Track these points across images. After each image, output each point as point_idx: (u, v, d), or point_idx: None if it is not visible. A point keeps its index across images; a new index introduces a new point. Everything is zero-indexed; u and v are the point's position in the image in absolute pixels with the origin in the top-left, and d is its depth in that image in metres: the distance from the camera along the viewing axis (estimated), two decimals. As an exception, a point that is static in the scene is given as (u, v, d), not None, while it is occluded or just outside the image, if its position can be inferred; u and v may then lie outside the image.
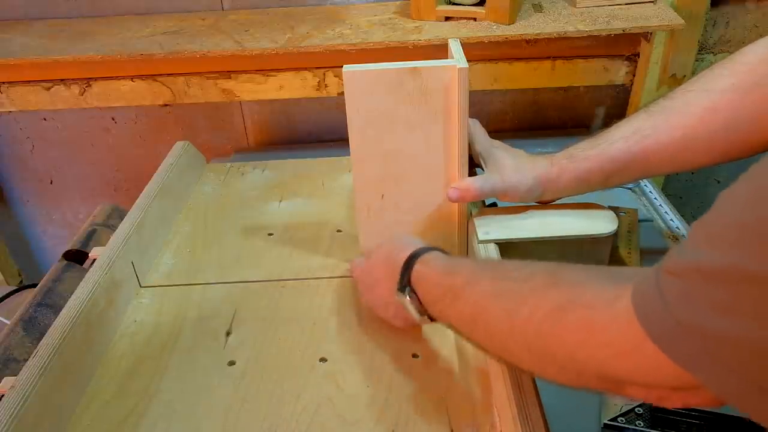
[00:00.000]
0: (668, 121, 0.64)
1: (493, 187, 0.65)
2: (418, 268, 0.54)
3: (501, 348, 0.47)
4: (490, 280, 0.47)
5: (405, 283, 0.54)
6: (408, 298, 0.54)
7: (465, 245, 0.71)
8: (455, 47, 0.63)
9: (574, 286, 0.41)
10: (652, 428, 0.55)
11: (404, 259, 0.56)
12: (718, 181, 1.24)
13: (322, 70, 1.04)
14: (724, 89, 0.60)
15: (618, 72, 1.07)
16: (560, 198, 0.70)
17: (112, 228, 0.77)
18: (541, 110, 1.17)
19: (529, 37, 0.94)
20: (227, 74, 1.06)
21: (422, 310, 0.54)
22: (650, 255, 0.78)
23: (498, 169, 0.67)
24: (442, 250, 0.56)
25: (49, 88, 1.07)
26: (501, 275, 0.48)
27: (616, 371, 0.37)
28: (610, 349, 0.37)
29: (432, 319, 0.54)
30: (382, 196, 0.66)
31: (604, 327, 0.37)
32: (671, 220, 0.86)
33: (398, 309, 0.57)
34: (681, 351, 0.32)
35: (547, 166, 0.67)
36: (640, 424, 0.56)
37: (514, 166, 0.67)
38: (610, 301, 0.37)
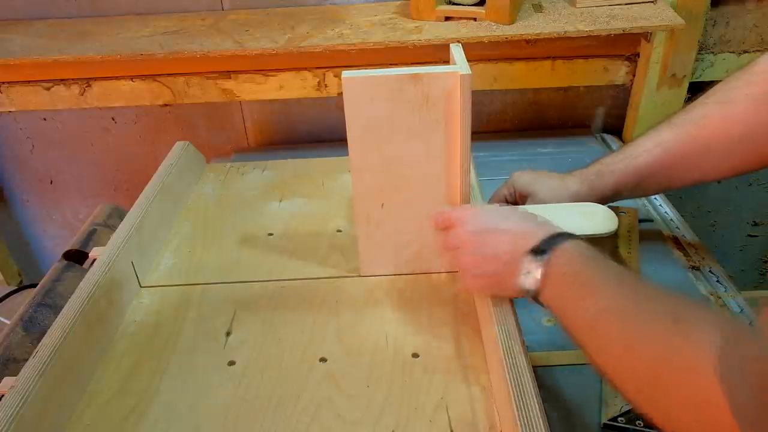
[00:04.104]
0: (688, 133, 0.67)
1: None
2: (568, 245, 0.52)
3: (607, 361, 0.46)
4: (624, 297, 0.47)
5: (547, 249, 0.52)
6: (540, 262, 0.51)
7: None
8: (457, 52, 0.62)
9: (690, 326, 0.41)
10: (651, 428, 0.55)
11: (553, 231, 0.54)
12: (718, 182, 1.24)
13: (322, 70, 1.05)
14: (738, 100, 0.63)
15: (618, 72, 1.07)
16: None
17: (112, 228, 0.77)
18: (541, 110, 1.17)
19: (529, 37, 0.94)
20: (227, 74, 1.06)
21: (539, 286, 0.52)
22: (650, 255, 0.78)
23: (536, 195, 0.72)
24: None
25: (49, 88, 1.07)
26: (636, 292, 0.47)
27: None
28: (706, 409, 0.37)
29: (534, 299, 0.53)
30: (383, 205, 0.65)
31: (705, 381, 0.38)
32: (671, 220, 0.86)
33: (508, 268, 0.54)
34: None
35: (577, 184, 0.72)
36: (640, 424, 0.56)
37: (550, 186, 0.73)
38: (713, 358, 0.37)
